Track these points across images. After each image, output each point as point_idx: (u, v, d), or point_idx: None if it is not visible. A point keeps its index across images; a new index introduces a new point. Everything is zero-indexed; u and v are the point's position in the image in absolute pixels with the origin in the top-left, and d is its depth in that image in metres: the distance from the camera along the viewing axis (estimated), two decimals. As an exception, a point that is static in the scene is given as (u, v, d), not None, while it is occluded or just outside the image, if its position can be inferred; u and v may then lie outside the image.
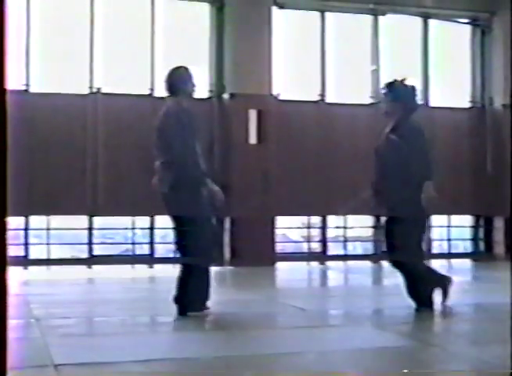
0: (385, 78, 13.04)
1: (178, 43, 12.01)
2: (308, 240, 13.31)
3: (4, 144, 1.49)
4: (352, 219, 13.14)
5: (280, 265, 11.85)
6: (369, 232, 13.33)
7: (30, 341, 4.56)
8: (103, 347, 4.39)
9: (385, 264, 12.18)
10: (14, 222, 11.73)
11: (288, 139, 12.31)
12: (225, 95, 12.07)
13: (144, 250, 12.24)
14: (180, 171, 5.62)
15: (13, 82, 11.36)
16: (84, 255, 12.00)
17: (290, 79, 12.56)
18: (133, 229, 12.27)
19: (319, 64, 12.85)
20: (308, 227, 13.26)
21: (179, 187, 5.61)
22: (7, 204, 1.53)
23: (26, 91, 11.41)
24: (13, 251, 12.03)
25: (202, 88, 12.26)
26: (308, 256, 12.90)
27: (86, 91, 11.69)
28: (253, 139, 11.93)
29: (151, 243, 12.18)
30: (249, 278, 9.95)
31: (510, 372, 2.66)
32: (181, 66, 6.06)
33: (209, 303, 5.77)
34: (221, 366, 3.80)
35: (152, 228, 12.15)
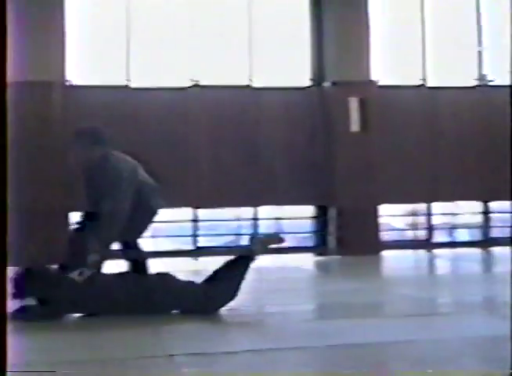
0: (491, 59, 12.74)
1: (278, 32, 12.03)
2: (413, 227, 13.10)
3: (3, 141, 1.49)
4: (459, 206, 12.85)
5: (386, 254, 11.69)
6: (478, 218, 12.96)
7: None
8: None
9: (495, 250, 12.00)
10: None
11: (390, 125, 12.11)
12: (326, 84, 11.98)
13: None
14: None
15: (114, 78, 11.69)
16: (189, 247, 12.19)
17: (390, 64, 12.34)
18: (237, 220, 12.38)
19: (419, 46, 12.57)
20: (413, 215, 13.03)
21: None
22: (7, 207, 1.52)
23: (126, 86, 11.67)
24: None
25: (303, 77, 12.28)
26: (414, 244, 12.68)
27: (186, 84, 11.86)
28: (355, 127, 11.80)
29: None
30: (356, 267, 9.86)
31: (510, 372, 2.60)
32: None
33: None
34: (334, 356, 3.78)
35: (256, 219, 12.23)
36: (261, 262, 11.27)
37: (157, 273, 5.53)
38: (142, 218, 6.03)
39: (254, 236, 5.90)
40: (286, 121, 11.97)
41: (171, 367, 3.48)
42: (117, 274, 5.45)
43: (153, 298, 5.21)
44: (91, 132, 6.03)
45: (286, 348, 4.00)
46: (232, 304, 5.63)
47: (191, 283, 5.46)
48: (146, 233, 6.36)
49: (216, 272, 5.59)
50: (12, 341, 4.42)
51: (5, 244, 1.45)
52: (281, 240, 5.83)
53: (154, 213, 6.19)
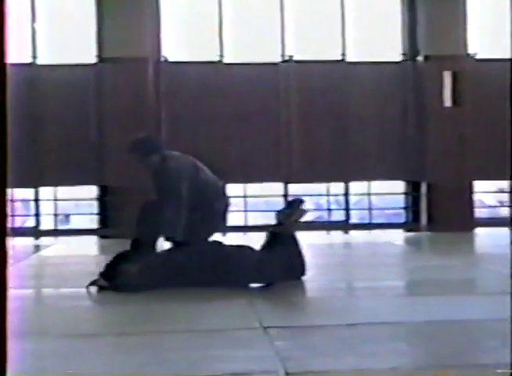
0: None
1: (370, 7, 11.89)
2: (506, 205, 12.77)
3: (3, 141, 1.56)
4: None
5: (479, 231, 11.47)
6: None
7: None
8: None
9: None
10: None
11: (485, 100, 11.80)
12: (419, 58, 11.77)
13: (338, 216, 12.31)
14: None
15: (208, 54, 11.82)
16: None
17: (488, 36, 11.99)
18: (327, 195, 12.38)
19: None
20: (508, 192, 12.70)
21: None
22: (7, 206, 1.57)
23: (219, 62, 11.78)
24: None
25: (394, 52, 12.11)
26: (508, 222, 12.37)
27: (278, 59, 11.88)
28: (448, 102, 11.57)
29: (346, 209, 12.23)
30: (447, 243, 9.73)
31: (510, 372, 2.58)
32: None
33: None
34: (426, 332, 3.78)
35: (346, 194, 12.19)
36: (352, 237, 11.33)
37: (236, 245, 5.66)
38: (207, 219, 6.10)
39: (279, 212, 5.90)
40: (378, 95, 11.85)
41: (266, 340, 3.56)
42: (195, 247, 5.60)
43: (232, 270, 5.32)
44: (143, 143, 6.22)
45: (377, 322, 4.02)
46: (321, 278, 5.69)
47: (266, 254, 5.54)
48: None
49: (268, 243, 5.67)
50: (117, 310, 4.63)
51: (5, 244, 1.53)
52: (304, 212, 5.88)
53: (220, 213, 6.29)
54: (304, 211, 5.88)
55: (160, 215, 5.86)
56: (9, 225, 1.56)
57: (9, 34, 1.51)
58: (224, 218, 6.42)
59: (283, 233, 5.62)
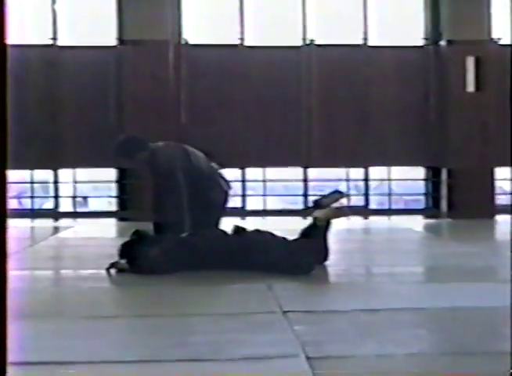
0: None
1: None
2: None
3: (4, 137, 1.55)
4: None
5: (499, 218, 11.39)
6: None
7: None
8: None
9: None
10: (230, 173, 12.29)
11: (508, 85, 11.66)
12: (442, 43, 11.66)
13: (358, 202, 12.27)
14: None
15: (227, 37, 11.77)
16: (299, 207, 12.27)
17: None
18: (347, 180, 12.34)
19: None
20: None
21: None
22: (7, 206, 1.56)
23: (241, 45, 11.73)
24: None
25: (416, 36, 12.01)
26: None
27: (300, 43, 11.81)
28: (470, 88, 11.46)
29: (366, 195, 12.18)
30: (467, 230, 9.67)
31: (510, 372, 2.58)
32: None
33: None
34: (447, 318, 3.76)
35: (366, 179, 12.15)
36: (371, 222, 11.30)
37: (256, 230, 5.65)
38: (203, 212, 6.07)
39: (316, 200, 5.89)
40: (400, 80, 11.76)
41: (286, 324, 3.56)
42: (217, 234, 5.62)
43: (250, 255, 5.32)
44: (127, 144, 6.22)
45: (397, 308, 4.00)
46: (342, 264, 5.68)
47: (285, 240, 5.53)
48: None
49: (303, 232, 5.65)
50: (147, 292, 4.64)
51: (5, 244, 1.52)
52: (342, 196, 5.91)
53: (218, 204, 6.26)
54: (342, 194, 5.94)
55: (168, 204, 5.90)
56: (8, 208, 1.54)
57: (10, 16, 1.50)
58: (223, 209, 6.40)
59: (319, 219, 5.60)
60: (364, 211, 12.00)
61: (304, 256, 5.32)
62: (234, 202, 12.58)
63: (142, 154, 6.09)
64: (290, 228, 8.90)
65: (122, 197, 11.80)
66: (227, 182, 6.54)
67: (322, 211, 5.66)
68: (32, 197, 12.05)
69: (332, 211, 5.70)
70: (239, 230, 5.61)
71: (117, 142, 6.29)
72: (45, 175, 12.26)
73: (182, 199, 5.88)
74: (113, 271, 5.38)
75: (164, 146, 6.25)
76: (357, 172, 12.17)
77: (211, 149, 10.07)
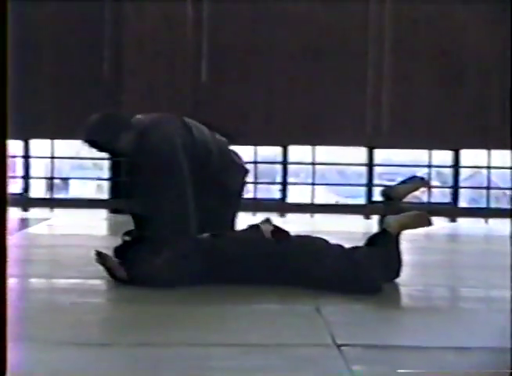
0: None
1: None
2: None
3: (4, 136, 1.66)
4: None
5: None
6: None
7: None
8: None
9: None
10: (265, 152, 12.31)
11: None
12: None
13: (442, 197, 12.25)
14: None
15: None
16: (361, 201, 12.28)
17: None
18: (428, 166, 12.30)
19: None
20: None
21: None
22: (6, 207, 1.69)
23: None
24: (264, 193, 12.65)
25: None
26: None
27: None
28: None
29: (454, 187, 12.13)
30: None
31: (510, 372, 2.91)
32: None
33: None
34: None
35: (455, 166, 12.09)
36: (459, 226, 11.26)
37: (298, 236, 5.67)
38: (218, 202, 6.13)
39: (387, 188, 5.90)
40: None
41: (341, 362, 3.59)
42: (249, 234, 5.65)
43: (294, 267, 5.35)
44: (105, 124, 6.06)
45: (493, 348, 3.99)
46: (416, 282, 5.68)
47: (342, 249, 5.54)
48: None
49: (369, 241, 5.66)
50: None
51: (5, 244, 1.66)
52: (423, 183, 6.00)
53: (233, 193, 6.29)
54: (424, 181, 5.95)
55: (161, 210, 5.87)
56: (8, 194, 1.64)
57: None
58: (240, 197, 6.43)
59: (391, 227, 5.61)
60: (451, 210, 11.97)
61: (368, 270, 5.34)
62: (269, 192, 12.63)
63: (126, 135, 6.01)
64: (347, 230, 8.96)
65: (116, 180, 11.90)
66: (241, 161, 6.53)
67: (396, 218, 5.64)
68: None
69: (410, 219, 5.68)
70: (278, 232, 5.64)
71: (89, 123, 6.11)
72: (12, 147, 12.42)
73: (185, 191, 5.85)
74: (102, 281, 5.45)
75: (154, 119, 6.18)
76: (442, 156, 12.15)
77: (243, 118, 10.21)
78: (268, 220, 5.75)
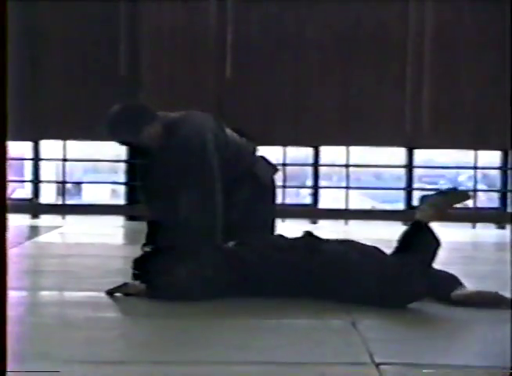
0: None
1: None
2: None
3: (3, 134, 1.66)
4: None
5: None
6: None
7: None
8: None
9: None
10: (291, 153, 12.29)
11: None
12: None
13: (489, 201, 12.20)
14: None
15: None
16: (399, 206, 12.24)
17: None
18: (473, 168, 12.25)
19: None
20: None
21: None
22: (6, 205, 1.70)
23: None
24: (293, 197, 12.63)
25: None
26: None
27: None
28: None
29: (503, 191, 12.06)
30: None
31: (510, 372, 3.03)
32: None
33: None
34: None
35: (504, 167, 12.03)
36: (506, 235, 11.19)
37: (340, 241, 5.67)
38: (253, 196, 6.17)
39: (424, 197, 5.85)
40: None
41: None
42: (273, 241, 5.65)
43: (330, 277, 5.34)
44: (127, 115, 6.07)
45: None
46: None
47: (384, 255, 5.53)
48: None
49: (404, 237, 5.62)
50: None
51: (4, 243, 1.68)
52: (466, 197, 5.90)
53: (267, 186, 6.31)
54: (465, 196, 5.90)
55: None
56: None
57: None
58: (275, 194, 6.43)
59: (424, 225, 5.58)
60: (499, 215, 11.91)
61: (408, 278, 5.31)
62: (299, 197, 12.62)
63: (151, 127, 6.05)
64: (385, 238, 8.92)
65: (133, 185, 11.93)
66: (271, 163, 6.55)
67: (429, 205, 5.61)
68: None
69: (444, 200, 5.67)
70: (312, 239, 5.63)
71: (111, 113, 6.13)
72: (20, 148, 12.47)
73: (214, 194, 5.85)
74: (119, 296, 5.46)
75: (183, 114, 6.23)
76: (489, 157, 12.10)
77: (270, 116, 10.22)
78: (310, 233, 5.76)
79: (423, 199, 5.83)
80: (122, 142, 6.26)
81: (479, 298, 5.52)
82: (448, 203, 5.71)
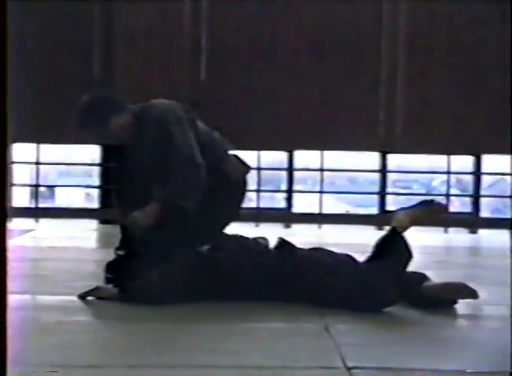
0: None
1: None
2: None
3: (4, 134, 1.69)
4: None
5: None
6: None
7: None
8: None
9: None
10: (268, 157, 12.29)
11: None
12: None
13: (461, 206, 12.25)
14: None
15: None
16: (373, 210, 12.28)
17: None
18: (446, 173, 12.30)
19: None
20: None
21: None
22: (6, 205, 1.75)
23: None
24: (267, 201, 12.62)
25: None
26: None
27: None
28: None
29: (475, 196, 12.11)
30: None
31: (510, 372, 3.06)
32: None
33: None
34: None
35: (476, 172, 12.08)
36: (481, 238, 11.24)
37: (311, 248, 5.68)
38: (221, 194, 6.07)
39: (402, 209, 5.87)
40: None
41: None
42: (250, 247, 5.65)
43: (303, 282, 5.36)
44: (96, 105, 6.03)
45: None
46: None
47: (351, 263, 5.55)
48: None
49: (377, 248, 5.64)
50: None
51: (4, 243, 1.73)
52: (443, 210, 5.87)
53: (237, 185, 6.24)
54: (443, 209, 5.90)
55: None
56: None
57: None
58: (244, 194, 6.39)
59: (399, 234, 5.60)
60: (472, 220, 11.97)
61: (382, 284, 5.33)
62: (275, 201, 12.64)
63: (121, 117, 5.99)
64: (358, 242, 8.96)
65: (107, 188, 11.91)
66: (244, 162, 6.51)
67: (405, 214, 5.64)
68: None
69: (422, 211, 5.69)
70: (285, 245, 5.64)
71: (80, 104, 6.10)
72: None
73: (196, 170, 5.81)
74: (91, 299, 5.45)
75: (151, 101, 6.19)
76: (462, 162, 12.14)
77: (244, 120, 10.24)
78: (264, 239, 5.76)
79: (400, 210, 5.85)
80: (90, 135, 6.22)
81: (446, 289, 5.57)
82: (426, 215, 5.73)
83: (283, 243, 5.63)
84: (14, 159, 12.24)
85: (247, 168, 6.41)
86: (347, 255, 5.60)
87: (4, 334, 1.95)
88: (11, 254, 7.12)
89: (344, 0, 11.80)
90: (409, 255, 5.52)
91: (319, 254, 5.62)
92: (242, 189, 6.35)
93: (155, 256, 5.53)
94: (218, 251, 5.60)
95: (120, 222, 6.10)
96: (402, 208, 5.82)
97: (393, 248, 5.51)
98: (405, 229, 5.58)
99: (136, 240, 5.80)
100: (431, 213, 5.75)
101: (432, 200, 6.00)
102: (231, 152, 6.31)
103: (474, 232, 11.88)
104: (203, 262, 5.49)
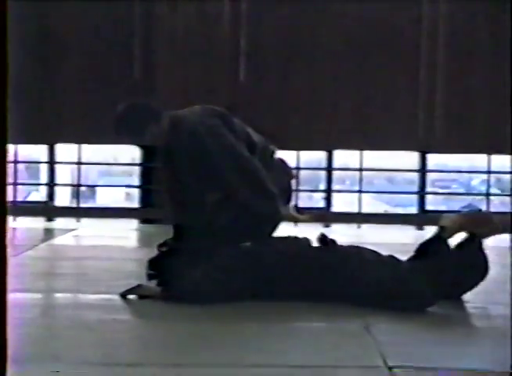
0: None
1: None
2: None
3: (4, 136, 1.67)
4: None
5: None
6: None
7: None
8: None
9: None
10: (305, 156, 12.29)
11: None
12: None
13: (501, 206, 12.16)
14: None
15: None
16: (412, 210, 12.21)
17: None
18: (487, 172, 12.21)
19: None
20: None
21: None
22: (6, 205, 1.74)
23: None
24: (306, 201, 12.60)
25: None
26: None
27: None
28: None
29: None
30: None
31: (509, 372, 3.08)
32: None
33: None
34: None
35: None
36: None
37: (350, 246, 5.66)
38: (263, 202, 5.90)
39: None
40: None
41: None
42: (291, 242, 5.65)
43: (344, 280, 5.33)
44: (133, 114, 6.03)
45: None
46: (478, 299, 5.63)
47: (396, 260, 5.51)
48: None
49: (422, 246, 5.61)
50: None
51: (4, 242, 1.71)
52: (487, 221, 5.77)
53: (282, 192, 6.12)
54: (489, 221, 5.84)
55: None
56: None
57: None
58: (288, 200, 6.37)
59: (446, 229, 5.57)
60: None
61: (420, 285, 5.30)
62: (312, 201, 12.61)
63: (156, 126, 6.00)
64: (397, 241, 8.90)
65: (147, 188, 11.93)
66: (289, 167, 6.49)
67: (451, 220, 5.61)
68: (14, 184, 12.24)
69: (470, 218, 5.65)
70: (326, 242, 5.62)
71: (117, 112, 6.13)
72: (35, 151, 12.47)
73: (222, 183, 5.80)
74: (133, 298, 5.46)
75: (188, 109, 6.20)
76: (502, 161, 12.06)
77: (283, 120, 10.20)
78: (306, 238, 5.74)
79: (446, 214, 5.84)
80: (129, 142, 6.27)
81: (467, 219, 5.59)
82: (471, 224, 5.69)
83: (324, 238, 5.61)
84: (56, 159, 12.28)
85: (291, 175, 6.40)
86: (390, 256, 5.57)
87: (4, 332, 1.85)
88: (54, 254, 7.20)
89: (382, 0, 11.74)
90: (485, 270, 5.53)
91: (360, 250, 5.60)
92: (288, 194, 6.35)
93: (197, 254, 5.52)
94: (261, 247, 5.58)
95: (172, 221, 6.09)
96: (449, 212, 5.82)
97: (436, 251, 5.48)
98: (451, 234, 5.56)
99: (187, 238, 5.79)
100: (476, 223, 5.71)
101: (480, 210, 5.97)
102: (275, 155, 6.30)
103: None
104: (246, 260, 5.47)
